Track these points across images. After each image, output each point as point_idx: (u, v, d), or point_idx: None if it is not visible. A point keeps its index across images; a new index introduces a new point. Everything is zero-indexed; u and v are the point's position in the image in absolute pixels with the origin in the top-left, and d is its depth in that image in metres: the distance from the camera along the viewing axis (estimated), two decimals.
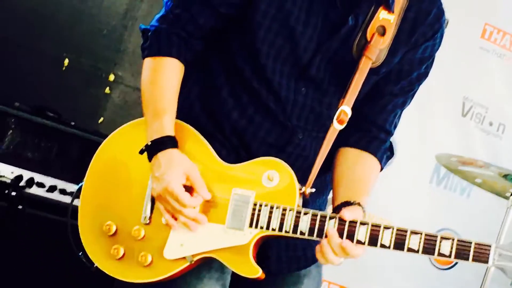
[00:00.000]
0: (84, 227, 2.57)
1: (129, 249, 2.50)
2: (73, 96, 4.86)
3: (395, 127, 2.70)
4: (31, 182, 3.81)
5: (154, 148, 2.44)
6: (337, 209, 2.46)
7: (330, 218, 2.37)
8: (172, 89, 2.52)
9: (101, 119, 4.99)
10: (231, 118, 2.55)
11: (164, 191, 2.40)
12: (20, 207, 3.75)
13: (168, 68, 2.53)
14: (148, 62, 2.56)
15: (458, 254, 2.27)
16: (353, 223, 2.35)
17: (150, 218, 2.49)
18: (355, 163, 2.60)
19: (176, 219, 2.43)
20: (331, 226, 2.36)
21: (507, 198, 3.70)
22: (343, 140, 2.61)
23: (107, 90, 5.01)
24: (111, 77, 5.01)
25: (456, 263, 4.93)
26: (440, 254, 2.28)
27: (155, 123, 2.46)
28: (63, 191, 3.88)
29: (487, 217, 4.76)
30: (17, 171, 3.79)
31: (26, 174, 3.81)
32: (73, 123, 4.06)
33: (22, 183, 3.79)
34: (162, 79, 2.51)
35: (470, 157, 3.78)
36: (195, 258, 2.44)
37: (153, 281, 2.47)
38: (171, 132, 2.47)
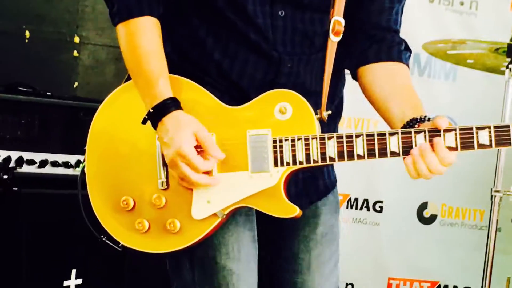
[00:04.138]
0: (99, 209, 2.26)
1: (154, 219, 2.20)
2: (42, 66, 4.56)
3: (400, 24, 2.40)
4: (20, 161, 3.52)
5: (157, 114, 2.13)
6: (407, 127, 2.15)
7: (357, 136, 2.08)
8: (157, 50, 2.20)
9: (76, 83, 4.69)
10: (214, 59, 2.25)
11: (176, 155, 2.09)
12: (15, 189, 3.47)
13: (146, 29, 2.21)
14: (122, 28, 2.23)
15: (498, 141, 2.01)
16: (382, 136, 2.06)
17: (167, 182, 2.19)
18: (393, 78, 2.31)
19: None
20: (420, 140, 2.05)
21: (502, 73, 3.47)
22: (360, 58, 2.34)
23: (75, 53, 4.69)
24: (76, 39, 4.68)
25: None
26: (480, 146, 2.00)
27: (151, 91, 2.15)
28: (54, 164, 3.59)
29: (477, 96, 4.58)
30: (4, 153, 3.50)
31: (14, 155, 3.52)
32: (49, 93, 3.75)
33: (11, 164, 3.50)
34: (143, 42, 2.20)
35: (460, 38, 3.52)
36: (226, 212, 2.15)
37: (187, 246, 2.18)
38: (170, 94, 2.15)
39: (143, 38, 2.20)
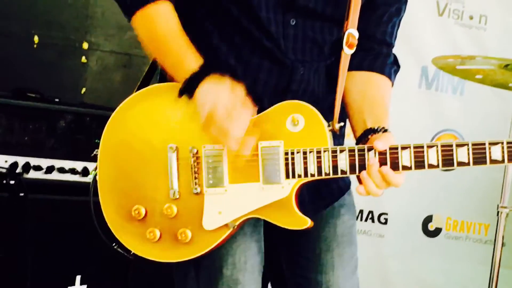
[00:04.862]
0: (111, 217, 2.26)
1: (165, 229, 2.20)
2: (50, 72, 4.56)
3: (395, 38, 2.43)
4: (27, 167, 3.52)
5: (195, 79, 2.12)
6: (361, 138, 2.20)
7: (369, 149, 2.08)
8: (179, 28, 2.21)
9: (83, 89, 4.69)
10: (228, 64, 2.25)
11: (214, 109, 2.06)
12: (21, 194, 3.45)
13: (164, 11, 2.22)
14: (139, 17, 2.23)
15: (511, 157, 2.01)
16: (394, 150, 2.07)
17: (179, 192, 2.19)
18: (367, 87, 2.34)
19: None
20: (371, 157, 2.07)
21: (510, 89, 3.47)
22: None
23: (83, 59, 4.69)
24: (85, 45, 4.68)
25: None
26: (492, 161, 2.01)
27: (183, 63, 2.16)
28: (61, 170, 3.59)
29: (485, 111, 4.59)
30: (11, 158, 3.50)
31: (21, 160, 3.52)
32: (57, 100, 3.75)
33: (18, 170, 3.50)
34: (164, 23, 2.21)
35: (469, 54, 3.53)
36: (237, 223, 2.16)
37: (197, 256, 2.19)
38: (202, 62, 2.15)
39: (163, 20, 2.21)
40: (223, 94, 2.08)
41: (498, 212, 3.63)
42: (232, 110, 2.06)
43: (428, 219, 4.81)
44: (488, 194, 4.41)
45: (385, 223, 4.75)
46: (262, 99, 2.23)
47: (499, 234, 3.60)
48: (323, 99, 2.29)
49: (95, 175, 2.29)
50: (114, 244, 2.28)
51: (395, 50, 2.45)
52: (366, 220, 4.73)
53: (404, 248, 4.77)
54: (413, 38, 4.60)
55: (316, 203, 2.37)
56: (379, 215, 4.74)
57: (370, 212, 4.73)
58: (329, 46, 2.32)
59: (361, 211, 4.72)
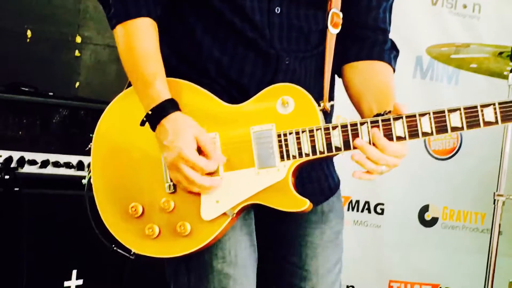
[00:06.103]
0: (108, 217, 2.24)
1: (164, 224, 2.18)
2: (44, 66, 4.55)
3: (389, 23, 2.40)
4: (22, 161, 3.50)
5: (155, 116, 2.12)
6: None
7: (361, 123, 2.07)
8: (154, 51, 2.19)
9: (77, 83, 4.68)
10: (213, 57, 2.24)
11: (178, 158, 2.08)
12: (16, 189, 3.44)
13: (143, 30, 2.20)
14: (119, 30, 2.21)
15: (504, 117, 1.99)
16: (387, 121, 2.05)
17: (174, 185, 2.17)
18: (368, 76, 2.32)
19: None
20: (362, 137, 2.07)
21: (505, 77, 3.46)
22: (343, 57, 2.35)
23: (76, 53, 4.68)
24: (78, 39, 4.67)
25: (455, 153, 4.74)
26: (486, 123, 1.99)
27: (148, 91, 2.14)
28: (56, 164, 3.58)
29: (480, 100, 4.53)
30: (5, 153, 3.48)
31: (15, 155, 3.50)
32: (51, 94, 3.73)
33: (13, 165, 3.48)
34: (141, 43, 2.18)
35: (464, 42, 3.52)
36: (236, 210, 2.14)
37: (199, 248, 2.16)
38: (168, 95, 2.14)
39: (140, 39, 2.20)
40: (187, 143, 2.09)
41: (494, 200, 3.62)
42: (197, 161, 2.09)
43: (425, 209, 4.81)
44: (484, 183, 4.40)
45: (382, 213, 4.74)
46: (249, 91, 2.22)
47: (495, 222, 3.59)
48: (310, 88, 2.24)
49: (90, 177, 2.27)
50: (113, 245, 2.26)
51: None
52: (362, 210, 4.72)
53: (401, 238, 4.76)
54: (407, 28, 4.58)
55: (315, 195, 2.33)
56: (376, 206, 4.74)
57: (367, 202, 4.73)
58: (315, 35, 2.30)
59: (357, 202, 4.72)
